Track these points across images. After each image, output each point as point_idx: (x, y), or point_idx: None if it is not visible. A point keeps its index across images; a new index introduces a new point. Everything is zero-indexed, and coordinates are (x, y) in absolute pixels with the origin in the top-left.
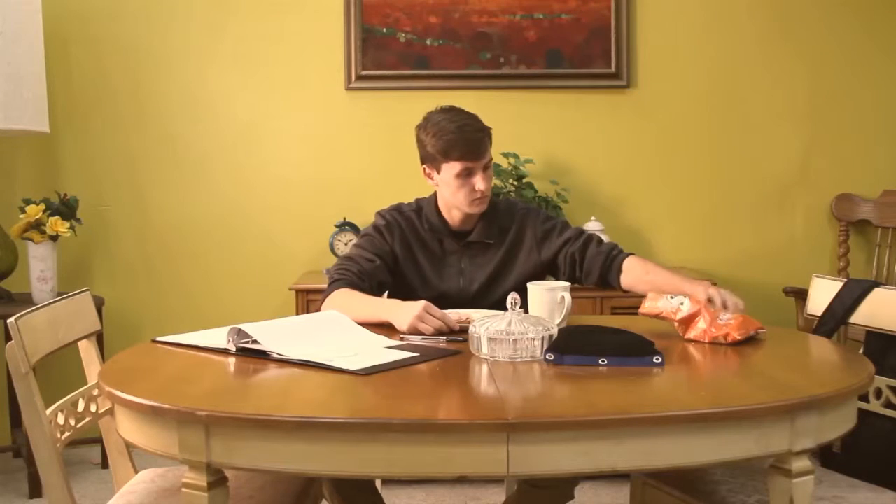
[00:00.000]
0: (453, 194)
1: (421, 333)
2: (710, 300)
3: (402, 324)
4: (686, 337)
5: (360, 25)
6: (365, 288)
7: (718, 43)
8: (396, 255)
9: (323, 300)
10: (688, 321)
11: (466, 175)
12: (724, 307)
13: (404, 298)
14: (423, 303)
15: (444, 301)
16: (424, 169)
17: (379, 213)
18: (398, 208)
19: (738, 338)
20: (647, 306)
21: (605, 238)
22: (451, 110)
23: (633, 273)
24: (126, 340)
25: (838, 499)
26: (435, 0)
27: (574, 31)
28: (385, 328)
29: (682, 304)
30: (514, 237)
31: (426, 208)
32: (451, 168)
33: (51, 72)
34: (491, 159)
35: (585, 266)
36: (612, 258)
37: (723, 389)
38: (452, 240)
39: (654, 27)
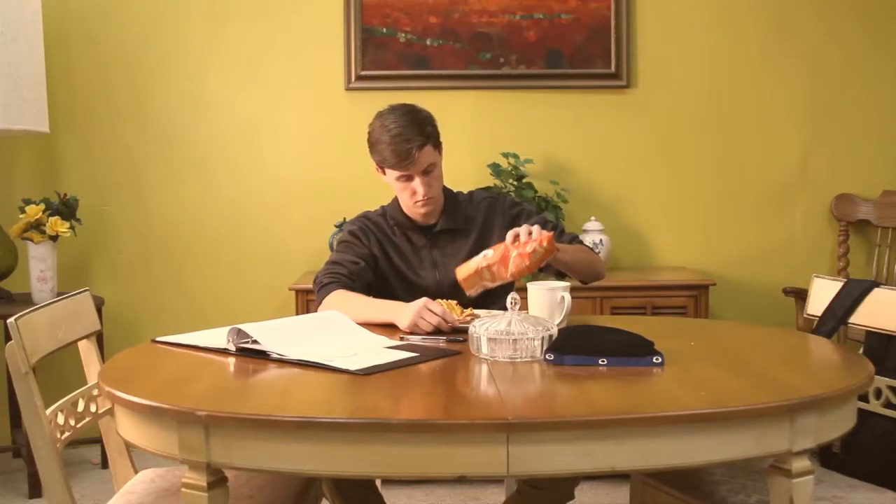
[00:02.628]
0: (400, 195)
1: (422, 331)
2: (515, 238)
3: (402, 323)
4: (510, 275)
5: (360, 25)
6: (356, 288)
7: (718, 43)
8: (376, 257)
9: (318, 303)
10: (503, 261)
11: (406, 180)
12: (529, 235)
13: (380, 292)
14: (423, 300)
15: (426, 295)
16: (377, 168)
17: (348, 223)
18: (364, 215)
19: (545, 242)
20: (459, 270)
21: (603, 238)
22: (393, 112)
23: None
24: (126, 340)
25: (838, 499)
26: (435, 0)
27: (574, 31)
28: (385, 328)
29: (486, 253)
30: (482, 223)
31: (389, 209)
32: (392, 173)
33: (51, 72)
34: (433, 163)
35: None
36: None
37: (723, 389)
38: (419, 234)
39: (654, 27)
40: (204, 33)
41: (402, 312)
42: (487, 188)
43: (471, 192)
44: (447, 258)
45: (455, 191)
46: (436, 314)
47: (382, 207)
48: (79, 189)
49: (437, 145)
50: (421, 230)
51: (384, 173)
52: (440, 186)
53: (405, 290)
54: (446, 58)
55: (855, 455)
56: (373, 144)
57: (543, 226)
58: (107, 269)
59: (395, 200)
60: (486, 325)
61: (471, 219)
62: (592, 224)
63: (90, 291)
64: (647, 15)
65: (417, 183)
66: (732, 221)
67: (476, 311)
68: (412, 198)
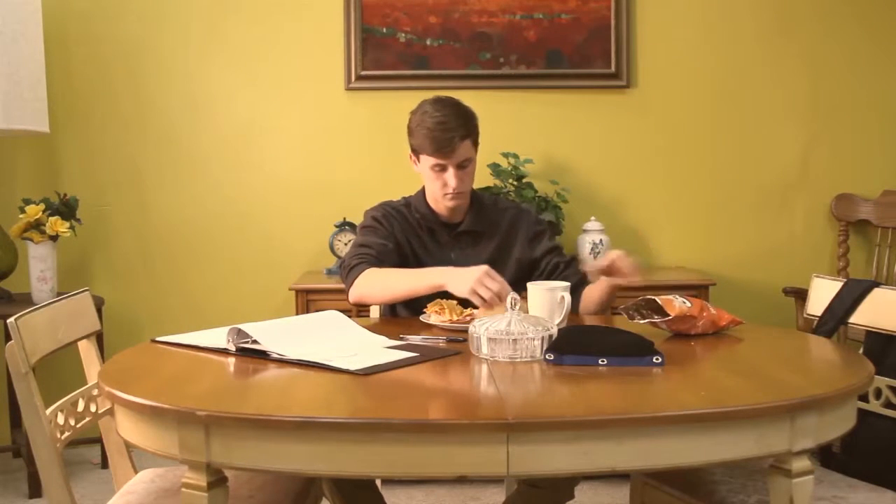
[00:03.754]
0: (430, 184)
1: (480, 299)
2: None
3: (460, 288)
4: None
5: (359, 25)
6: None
7: (718, 43)
8: (399, 243)
9: (349, 285)
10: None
11: (440, 170)
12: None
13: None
14: (484, 267)
15: (439, 292)
16: (411, 155)
17: (370, 210)
18: (387, 204)
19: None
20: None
21: (603, 238)
22: (439, 102)
23: (585, 301)
24: (126, 340)
25: (838, 499)
26: (435, 0)
27: (574, 31)
28: (386, 328)
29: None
30: (507, 230)
31: (415, 201)
32: (427, 161)
33: (51, 72)
34: (469, 158)
35: (561, 278)
36: (581, 284)
37: (723, 389)
38: (443, 230)
39: (654, 27)
40: (204, 33)
41: (458, 277)
42: (487, 188)
43: (496, 197)
44: (467, 259)
45: (480, 193)
46: (497, 282)
47: (405, 198)
48: (79, 189)
49: (476, 143)
50: (445, 227)
51: (418, 161)
52: (471, 184)
53: None
54: (446, 58)
55: (855, 455)
56: (413, 129)
57: (562, 251)
58: (107, 269)
59: (421, 193)
60: (486, 325)
61: (495, 223)
62: (592, 224)
63: (90, 291)
64: (647, 15)
65: (451, 174)
66: (732, 221)
67: (475, 312)
68: (442, 189)
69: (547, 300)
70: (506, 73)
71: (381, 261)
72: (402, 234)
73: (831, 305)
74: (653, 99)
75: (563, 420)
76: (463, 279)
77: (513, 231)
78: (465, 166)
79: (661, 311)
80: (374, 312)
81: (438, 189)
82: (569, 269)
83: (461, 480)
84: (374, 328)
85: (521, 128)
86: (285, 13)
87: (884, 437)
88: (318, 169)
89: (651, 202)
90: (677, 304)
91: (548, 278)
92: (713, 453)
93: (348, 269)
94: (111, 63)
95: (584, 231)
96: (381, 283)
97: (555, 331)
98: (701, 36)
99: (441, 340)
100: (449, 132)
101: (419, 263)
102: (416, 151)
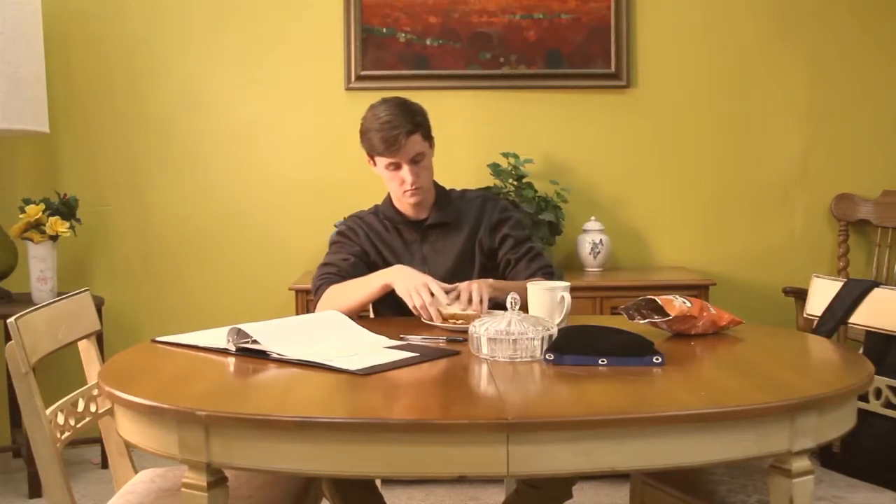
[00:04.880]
0: (389, 185)
1: (410, 302)
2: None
3: (400, 288)
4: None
5: (359, 25)
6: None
7: (718, 43)
8: (367, 253)
9: (314, 306)
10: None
11: (395, 168)
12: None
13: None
14: (428, 277)
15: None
16: (368, 159)
17: (339, 224)
18: (355, 215)
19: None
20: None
21: (603, 238)
22: (384, 102)
23: None
24: (126, 340)
25: (838, 499)
26: (435, 0)
27: (574, 31)
28: (386, 328)
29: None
30: (474, 221)
31: (381, 206)
32: (381, 161)
33: (51, 72)
34: (421, 153)
35: (509, 275)
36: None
37: (722, 389)
38: (410, 228)
39: (654, 27)
40: (204, 33)
41: (402, 276)
42: (487, 188)
43: (464, 190)
44: (437, 254)
45: (448, 188)
46: (430, 296)
47: (375, 206)
48: (79, 189)
49: (428, 137)
50: (412, 225)
51: (374, 164)
52: (429, 178)
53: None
54: (446, 58)
55: (855, 455)
56: (363, 133)
57: (522, 244)
58: (107, 269)
59: (388, 197)
60: (486, 325)
61: (462, 214)
62: (592, 224)
63: (90, 291)
64: (647, 15)
65: (406, 171)
66: (732, 221)
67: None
68: (401, 187)
69: (547, 300)
70: (506, 73)
71: (343, 277)
72: (368, 242)
73: (831, 305)
74: (653, 99)
75: (563, 420)
76: (405, 279)
77: (478, 221)
78: (418, 161)
79: (661, 311)
80: (375, 313)
81: (398, 188)
82: (518, 266)
83: (461, 480)
84: (374, 328)
85: (521, 128)
86: (285, 13)
87: (884, 437)
88: (318, 169)
89: (651, 202)
90: (677, 304)
91: (502, 273)
92: (713, 453)
93: (314, 290)
94: (111, 63)
95: (584, 231)
96: (340, 297)
97: (555, 331)
98: (701, 36)
99: (441, 340)
100: (395, 129)
101: (391, 266)
102: (369, 154)
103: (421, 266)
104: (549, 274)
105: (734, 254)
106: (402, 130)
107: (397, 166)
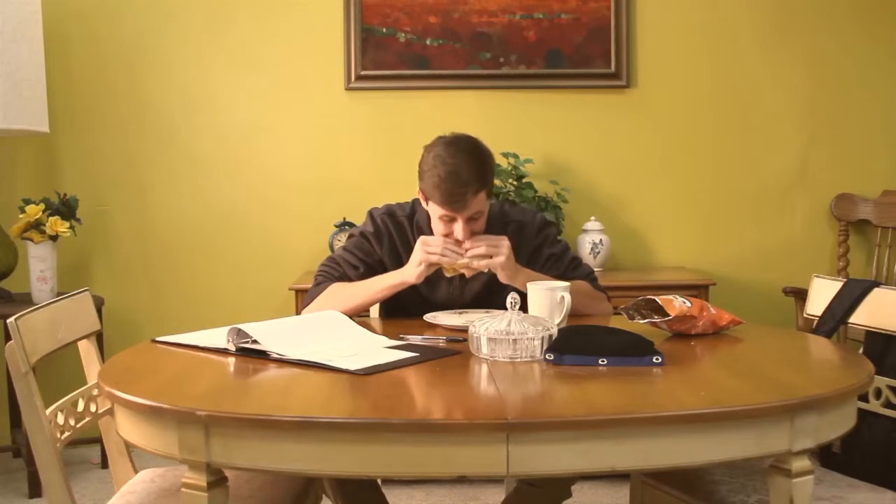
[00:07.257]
0: (436, 228)
1: (429, 260)
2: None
3: (410, 273)
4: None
5: (359, 25)
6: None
7: (718, 43)
8: (385, 265)
9: (309, 300)
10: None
11: (448, 220)
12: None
13: (391, 306)
14: (417, 243)
15: (436, 310)
16: (420, 192)
17: (371, 216)
18: (391, 213)
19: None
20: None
21: (603, 238)
22: (453, 146)
23: None
24: (126, 340)
25: (838, 499)
26: (435, 0)
27: (574, 31)
28: (386, 328)
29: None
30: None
31: (419, 214)
32: (435, 209)
33: (51, 72)
34: (480, 211)
35: None
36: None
37: (722, 389)
38: None
39: (654, 27)
40: (204, 33)
41: (407, 267)
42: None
43: (503, 207)
44: (466, 281)
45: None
46: (438, 243)
47: (413, 205)
48: (79, 189)
49: (491, 192)
50: None
51: (427, 203)
52: (481, 231)
53: (414, 302)
54: (446, 58)
55: (855, 455)
56: (423, 172)
57: (563, 255)
58: (107, 269)
59: (426, 210)
60: (486, 325)
61: None
62: (592, 224)
63: (90, 291)
64: (647, 15)
65: (459, 227)
66: (732, 221)
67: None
68: (447, 236)
69: (547, 300)
70: (506, 73)
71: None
72: (391, 252)
73: (831, 305)
74: (653, 99)
75: (563, 420)
76: (410, 264)
77: (515, 250)
78: (476, 218)
79: (661, 311)
80: (374, 312)
81: (443, 232)
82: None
83: (461, 480)
84: (374, 328)
85: (521, 128)
86: (285, 13)
87: (884, 437)
88: (318, 169)
89: (651, 202)
90: (677, 304)
91: None
92: (713, 453)
93: (315, 284)
94: (111, 63)
95: (584, 231)
96: (342, 298)
97: (555, 331)
98: (701, 36)
99: (441, 340)
100: (461, 186)
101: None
102: (424, 195)
103: (447, 286)
104: (594, 279)
105: (734, 254)
106: (469, 189)
107: (452, 219)
